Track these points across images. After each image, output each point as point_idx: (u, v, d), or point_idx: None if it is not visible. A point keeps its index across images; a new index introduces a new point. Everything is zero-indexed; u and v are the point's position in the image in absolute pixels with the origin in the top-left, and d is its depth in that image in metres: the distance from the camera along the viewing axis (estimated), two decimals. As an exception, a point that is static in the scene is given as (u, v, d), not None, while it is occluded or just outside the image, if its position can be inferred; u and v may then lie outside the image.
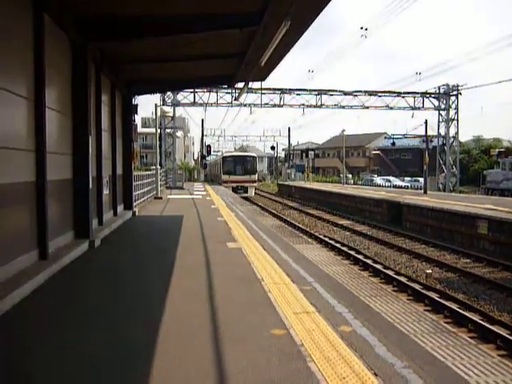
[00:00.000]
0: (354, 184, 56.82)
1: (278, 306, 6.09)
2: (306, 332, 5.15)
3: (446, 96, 41.98)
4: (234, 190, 39.64)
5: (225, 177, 42.54)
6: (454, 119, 42.47)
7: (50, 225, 8.50)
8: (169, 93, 39.55)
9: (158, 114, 30.69)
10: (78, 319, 5.80)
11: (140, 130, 45.85)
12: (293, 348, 4.73)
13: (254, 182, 43.16)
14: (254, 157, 45.55)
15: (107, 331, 5.36)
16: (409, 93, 42.07)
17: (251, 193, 41.83)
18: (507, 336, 8.34)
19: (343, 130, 53.27)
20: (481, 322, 9.05)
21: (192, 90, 39.27)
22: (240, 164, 43.37)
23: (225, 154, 47.23)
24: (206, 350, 4.70)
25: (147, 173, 26.93)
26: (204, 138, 61.40)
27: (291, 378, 4.10)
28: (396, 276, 12.66)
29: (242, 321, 5.59)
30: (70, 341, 5.06)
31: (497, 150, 45.17)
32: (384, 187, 47.61)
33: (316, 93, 41.23)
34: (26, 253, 7.69)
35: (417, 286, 11.61)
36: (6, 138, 6.99)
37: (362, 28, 28.42)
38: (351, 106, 42.14)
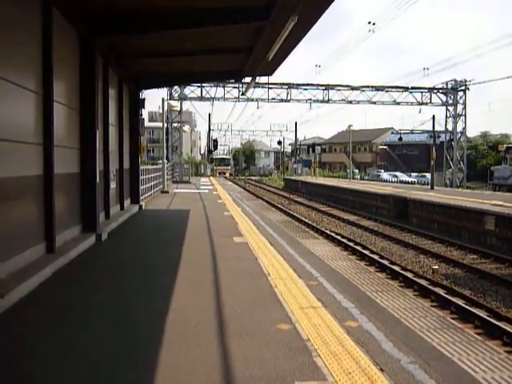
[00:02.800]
0: (360, 179, 56.68)
1: (284, 301, 6.11)
2: (312, 327, 5.17)
3: (454, 91, 41.78)
4: (219, 173, 67.82)
5: (216, 167, 71.02)
6: (461, 115, 42.27)
7: (58, 218, 8.54)
8: (176, 87, 39.59)
9: (165, 108, 30.68)
10: (85, 312, 5.83)
11: (147, 124, 45.92)
12: (299, 343, 4.75)
13: (228, 170, 75.41)
14: (228, 158, 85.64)
15: (113, 324, 5.39)
16: (416, 88, 41.87)
17: (227, 174, 70.67)
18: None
19: (350, 125, 53.16)
20: (487, 318, 9.03)
21: (199, 85, 39.32)
22: (222, 161, 76.58)
23: (215, 157, 73.92)
24: (212, 344, 4.72)
25: (154, 167, 27.01)
26: (211, 132, 61.79)
27: (297, 372, 4.11)
28: (402, 271, 12.61)
29: (248, 315, 5.61)
30: (77, 332, 5.09)
31: (504, 145, 44.81)
32: (391, 182, 47.45)
33: (323, 88, 41.15)
34: (33, 246, 7.74)
35: (423, 282, 11.57)
36: (14, 132, 7.02)
37: (369, 23, 28.24)
38: (358, 101, 42.01)
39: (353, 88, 41.47)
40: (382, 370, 4.15)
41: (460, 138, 43.14)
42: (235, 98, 40.98)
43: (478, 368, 4.33)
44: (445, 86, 42.06)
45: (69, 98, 9.97)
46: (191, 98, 41.68)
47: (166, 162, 28.71)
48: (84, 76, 10.72)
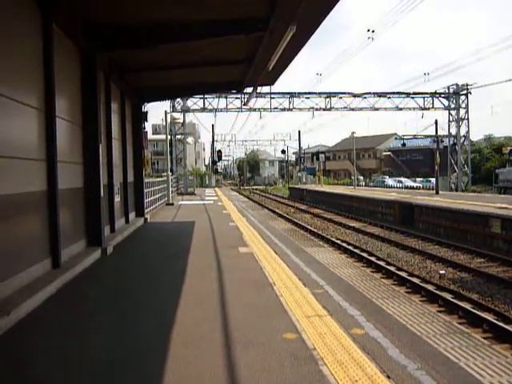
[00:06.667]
0: (365, 186, 56.62)
1: (290, 310, 6.10)
2: (318, 335, 5.15)
3: (456, 95, 41.81)
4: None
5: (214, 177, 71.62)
6: (464, 118, 42.27)
7: (62, 233, 8.57)
8: (178, 99, 39.78)
9: (168, 120, 30.81)
10: (90, 328, 5.82)
11: (151, 136, 46.20)
12: (305, 352, 4.74)
13: (220, 179, 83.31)
14: (220, 172, 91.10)
15: (119, 336, 5.39)
16: (418, 93, 41.93)
17: (222, 181, 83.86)
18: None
19: (353, 132, 53.07)
20: (495, 321, 8.97)
21: (201, 96, 39.46)
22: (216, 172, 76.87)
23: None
24: (218, 354, 4.71)
25: (158, 179, 27.07)
26: (214, 143, 61.94)
27: (303, 381, 4.10)
28: (409, 277, 12.57)
29: (254, 325, 5.60)
30: (82, 344, 5.10)
31: (508, 148, 44.71)
32: (395, 188, 47.37)
33: (325, 96, 41.23)
34: (38, 262, 7.76)
35: (430, 287, 11.53)
36: (17, 148, 7.07)
37: (368, 30, 28.26)
38: (361, 108, 42.06)
39: (355, 95, 41.54)
40: (388, 377, 4.13)
41: (463, 141, 43.09)
42: (237, 108, 41.07)
43: (484, 372, 4.30)
44: (447, 91, 42.10)
45: (71, 113, 10.03)
46: (194, 110, 41.87)
47: (170, 174, 28.79)
48: (86, 91, 10.81)
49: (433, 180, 40.68)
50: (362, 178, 69.01)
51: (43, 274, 7.76)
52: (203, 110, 41.10)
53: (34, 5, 7.94)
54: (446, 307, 10.15)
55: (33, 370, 4.59)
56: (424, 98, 42.16)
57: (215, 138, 66.57)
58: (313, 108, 41.74)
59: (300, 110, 41.96)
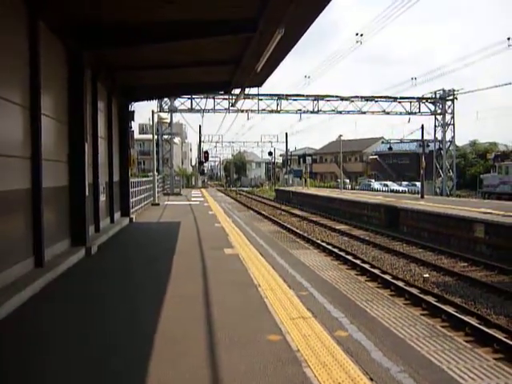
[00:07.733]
0: (351, 189, 56.87)
1: (275, 312, 6.09)
2: (302, 337, 5.15)
3: (442, 101, 42.13)
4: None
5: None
6: (450, 124, 42.61)
7: (46, 232, 8.50)
8: (166, 99, 39.66)
9: (155, 120, 30.67)
10: (74, 328, 5.78)
11: (137, 136, 46.00)
12: (289, 353, 4.73)
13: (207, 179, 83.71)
14: (208, 173, 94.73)
15: (103, 340, 5.34)
16: (405, 98, 42.22)
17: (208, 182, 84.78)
18: (504, 339, 8.33)
19: (340, 136, 53.27)
20: (478, 325, 9.04)
21: (189, 97, 39.36)
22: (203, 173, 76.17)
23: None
24: (202, 357, 4.69)
25: (144, 179, 26.95)
26: (202, 144, 61.83)
27: (287, 383, 4.10)
28: (393, 280, 12.63)
29: (238, 327, 5.59)
30: (65, 348, 5.05)
31: (493, 153, 45.23)
32: (381, 192, 47.63)
33: (313, 98, 41.33)
34: (21, 261, 7.68)
35: (414, 291, 11.59)
36: (1, 146, 6.99)
37: (357, 34, 28.38)
38: (348, 112, 42.25)
39: (342, 98, 41.67)
40: (371, 379, 4.14)
41: (449, 146, 43.44)
42: (225, 109, 40.98)
43: (466, 375, 4.33)
44: (433, 96, 42.41)
45: (57, 111, 9.95)
46: (181, 110, 41.74)
47: (156, 174, 28.65)
48: (72, 89, 10.72)
49: (418, 184, 40.91)
50: (348, 180, 69.29)
51: (26, 273, 7.68)
52: (191, 110, 40.99)
53: (20, 1, 7.86)
54: (429, 310, 10.20)
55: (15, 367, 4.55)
56: (411, 102, 42.47)
57: (202, 139, 66.50)
58: (300, 110, 41.84)
59: (287, 112, 42.05)
